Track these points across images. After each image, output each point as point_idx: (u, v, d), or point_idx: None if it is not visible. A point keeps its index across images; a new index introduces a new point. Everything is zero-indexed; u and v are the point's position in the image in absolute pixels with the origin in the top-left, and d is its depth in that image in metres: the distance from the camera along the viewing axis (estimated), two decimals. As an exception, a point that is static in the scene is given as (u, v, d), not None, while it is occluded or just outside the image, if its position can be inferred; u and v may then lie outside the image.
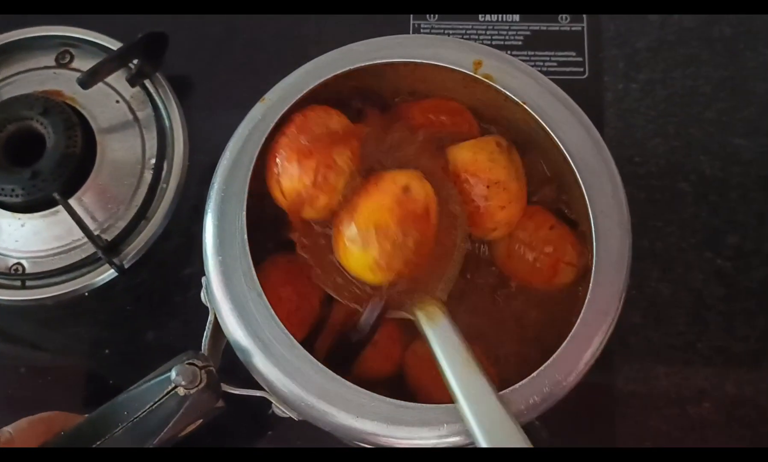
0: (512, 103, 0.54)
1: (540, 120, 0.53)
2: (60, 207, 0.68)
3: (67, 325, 0.70)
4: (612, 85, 0.77)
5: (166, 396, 0.48)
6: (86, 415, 0.51)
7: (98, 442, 0.48)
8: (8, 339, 0.70)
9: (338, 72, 0.55)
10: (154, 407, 0.49)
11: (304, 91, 0.54)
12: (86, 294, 0.69)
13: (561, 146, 0.52)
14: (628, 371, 0.68)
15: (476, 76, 0.55)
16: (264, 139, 0.53)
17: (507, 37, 0.77)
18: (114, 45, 0.73)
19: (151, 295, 0.70)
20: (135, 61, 0.72)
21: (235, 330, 0.50)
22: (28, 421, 0.52)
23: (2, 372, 0.68)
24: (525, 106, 0.53)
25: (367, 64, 0.55)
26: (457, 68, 0.55)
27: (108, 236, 0.68)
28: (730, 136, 0.75)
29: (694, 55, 0.78)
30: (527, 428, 0.62)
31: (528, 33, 0.78)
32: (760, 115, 0.76)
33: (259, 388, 0.51)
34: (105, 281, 0.69)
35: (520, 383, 0.48)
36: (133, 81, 0.72)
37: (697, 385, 0.67)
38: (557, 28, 0.78)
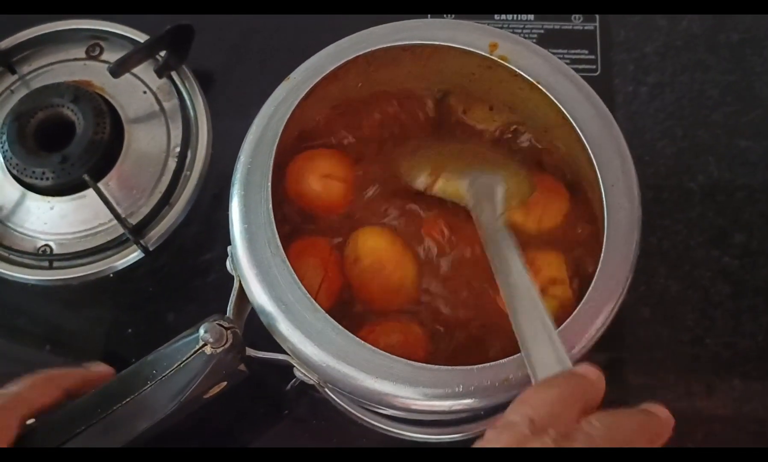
0: (526, 83, 0.56)
1: (552, 98, 0.55)
2: (87, 191, 0.70)
3: (91, 305, 0.72)
4: (622, 87, 0.79)
5: (194, 355, 0.51)
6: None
7: (127, 399, 0.50)
8: (35, 318, 0.72)
9: (359, 54, 0.57)
10: (181, 366, 0.51)
11: (327, 71, 0.57)
12: (111, 275, 0.71)
13: (573, 122, 0.55)
14: (637, 364, 0.69)
15: (492, 57, 0.57)
16: (289, 115, 0.55)
17: (522, 35, 0.79)
18: (142, 38, 0.76)
19: (172, 278, 0.72)
20: (162, 53, 0.75)
21: (259, 295, 0.52)
22: (31, 379, 0.52)
23: (28, 350, 0.70)
24: (538, 85, 0.56)
25: (387, 45, 0.57)
26: (474, 50, 0.57)
27: (132, 221, 0.71)
28: (737, 138, 0.77)
29: (701, 60, 0.80)
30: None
31: (542, 31, 0.81)
32: (766, 118, 0.78)
33: (282, 352, 0.53)
34: (128, 264, 0.71)
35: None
36: (160, 72, 0.75)
37: (705, 380, 0.68)
38: (570, 27, 0.81)
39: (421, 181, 0.59)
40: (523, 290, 0.49)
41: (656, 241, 0.73)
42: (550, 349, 0.46)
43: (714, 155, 0.76)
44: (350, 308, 0.57)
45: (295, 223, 0.60)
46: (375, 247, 0.58)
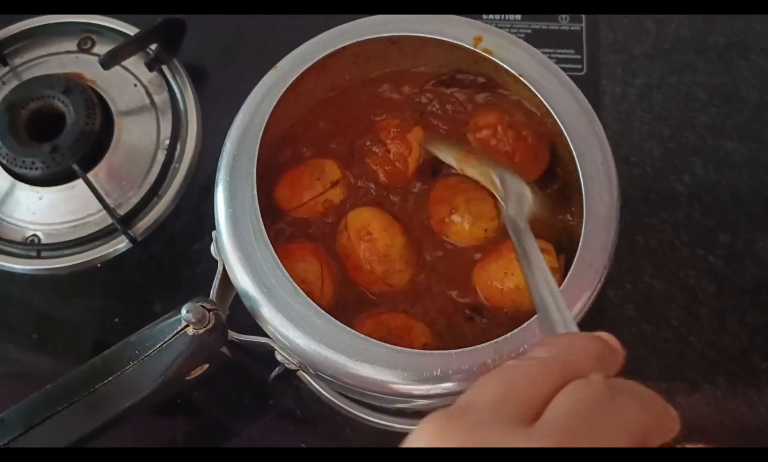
0: (511, 77, 0.57)
1: (534, 90, 0.56)
2: (76, 181, 0.71)
3: (78, 294, 0.72)
4: (610, 88, 0.80)
5: (176, 335, 0.51)
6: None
7: (110, 378, 0.51)
8: (22, 307, 0.72)
9: (346, 44, 0.58)
10: (163, 346, 0.51)
11: (314, 60, 0.58)
12: (98, 265, 0.72)
13: (554, 115, 0.55)
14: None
15: (476, 50, 0.58)
16: (275, 102, 0.56)
17: (509, 35, 0.80)
18: (134, 32, 0.77)
19: (160, 268, 0.72)
20: (153, 47, 0.76)
21: (242, 278, 0.52)
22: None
23: (15, 338, 0.71)
24: (521, 78, 0.56)
25: (374, 37, 0.58)
26: (459, 43, 0.58)
27: (121, 211, 0.71)
28: (723, 140, 0.78)
29: (689, 63, 0.81)
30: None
31: (529, 31, 0.82)
32: (752, 121, 0.79)
33: (264, 336, 0.53)
34: (117, 254, 0.72)
35: (511, 332, 0.50)
36: (151, 66, 0.76)
37: (688, 378, 0.69)
38: (557, 27, 0.82)
39: (451, 157, 0.60)
40: (541, 271, 0.49)
41: (642, 240, 0.74)
42: (558, 315, 0.47)
43: (700, 156, 0.77)
44: (350, 302, 0.58)
45: (285, 229, 0.60)
46: (362, 215, 0.59)
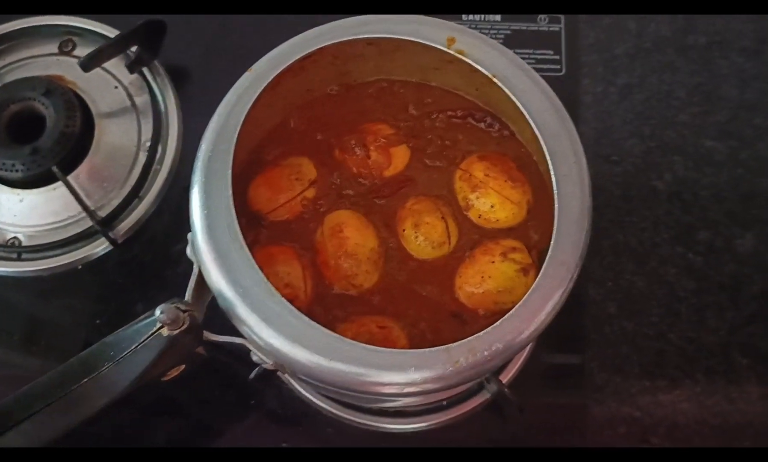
0: (486, 78, 0.58)
1: (506, 90, 0.56)
2: (57, 183, 0.71)
3: (60, 296, 0.72)
4: (591, 87, 0.80)
5: (151, 337, 0.51)
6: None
7: (86, 379, 0.51)
8: (3, 309, 0.73)
9: (323, 45, 0.58)
10: (138, 347, 0.51)
11: (289, 62, 0.58)
12: (80, 267, 0.72)
13: (526, 115, 0.56)
14: (603, 359, 0.70)
15: (450, 51, 0.58)
16: (251, 104, 0.56)
17: (489, 36, 0.80)
18: (114, 34, 0.77)
19: (141, 269, 0.73)
20: (134, 48, 0.76)
21: (218, 279, 0.52)
22: None
23: (-5, 341, 0.71)
24: (494, 79, 0.57)
25: (351, 38, 0.58)
26: (433, 44, 0.58)
27: (102, 213, 0.71)
28: (703, 139, 0.78)
29: (669, 62, 0.82)
30: (500, 399, 0.65)
31: (509, 32, 0.82)
32: (731, 119, 0.79)
33: (239, 336, 0.53)
34: (98, 255, 0.72)
35: (484, 331, 0.50)
36: (131, 68, 0.76)
37: (669, 374, 0.69)
38: (536, 28, 0.82)
39: None
40: None
41: (623, 237, 0.74)
42: None
43: (681, 155, 0.78)
44: (333, 304, 0.58)
45: (264, 230, 0.61)
46: (338, 214, 0.59)
